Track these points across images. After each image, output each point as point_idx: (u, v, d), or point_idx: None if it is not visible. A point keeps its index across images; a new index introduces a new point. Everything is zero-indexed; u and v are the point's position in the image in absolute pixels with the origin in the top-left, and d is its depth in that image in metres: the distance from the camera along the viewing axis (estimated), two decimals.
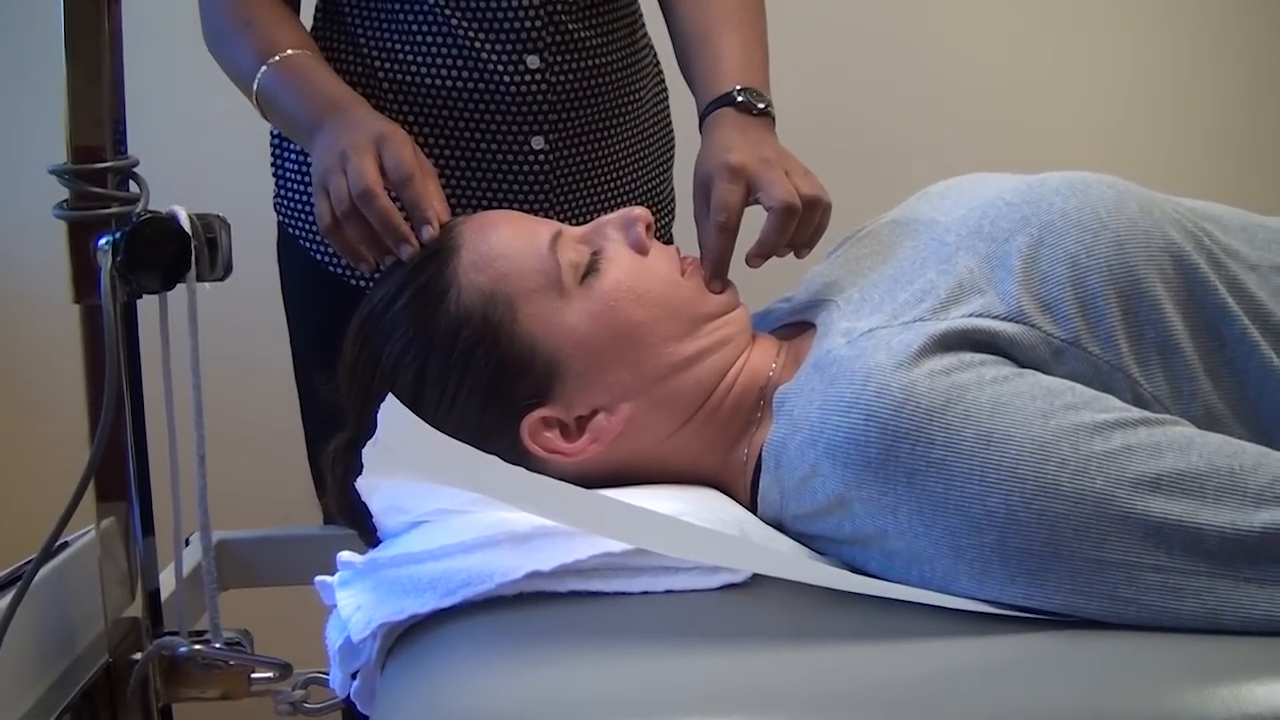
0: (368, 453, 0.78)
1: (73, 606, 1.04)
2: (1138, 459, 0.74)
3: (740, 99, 1.05)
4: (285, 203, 1.30)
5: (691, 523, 0.79)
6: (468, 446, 0.78)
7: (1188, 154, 2.36)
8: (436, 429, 0.80)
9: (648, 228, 0.94)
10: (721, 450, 0.92)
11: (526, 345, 0.88)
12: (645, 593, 0.79)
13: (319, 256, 1.28)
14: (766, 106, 1.05)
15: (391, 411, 0.75)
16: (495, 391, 0.88)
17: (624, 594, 0.79)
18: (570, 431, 0.90)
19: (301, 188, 1.29)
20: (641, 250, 0.93)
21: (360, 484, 0.83)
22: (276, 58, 1.08)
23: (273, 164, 1.32)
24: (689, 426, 0.91)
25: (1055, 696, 0.67)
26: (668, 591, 0.79)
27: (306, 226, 1.28)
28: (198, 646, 1.00)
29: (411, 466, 0.80)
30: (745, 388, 0.92)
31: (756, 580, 0.80)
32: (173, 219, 0.95)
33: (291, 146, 1.29)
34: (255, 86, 1.09)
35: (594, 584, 0.78)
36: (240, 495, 1.55)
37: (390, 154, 0.95)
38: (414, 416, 0.77)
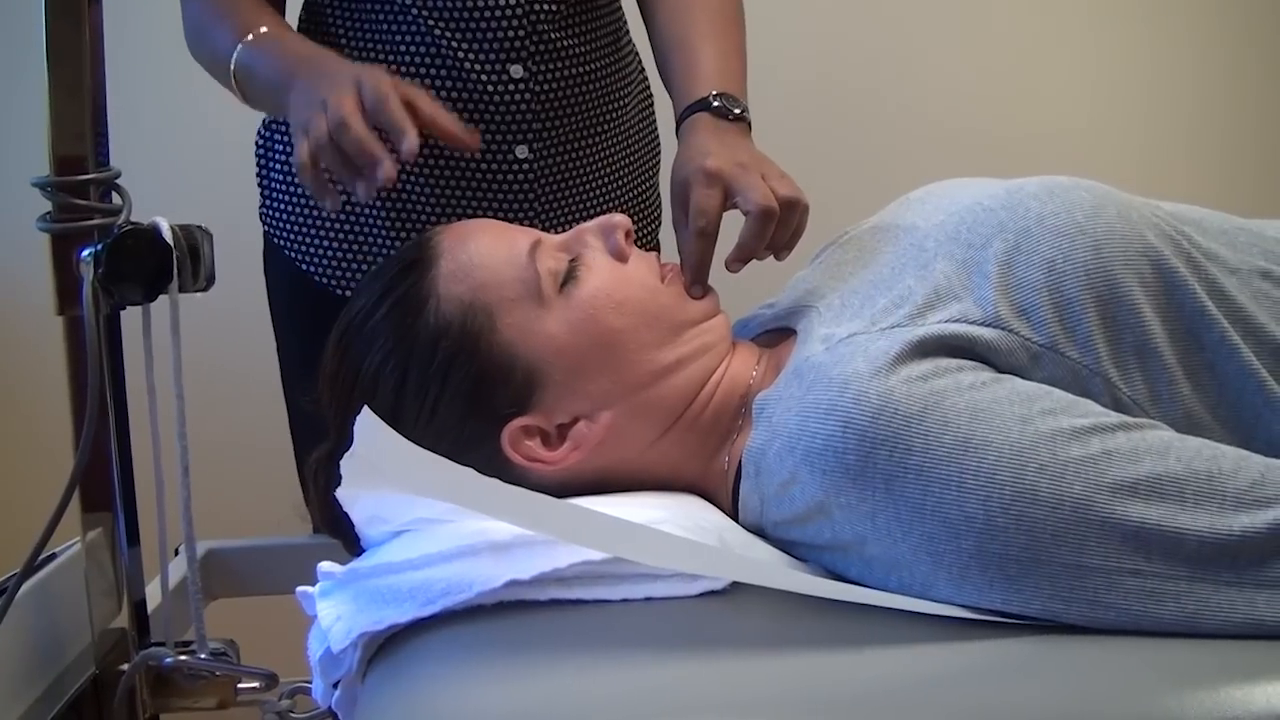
0: (346, 464, 0.78)
1: (59, 618, 1.04)
2: (1116, 464, 0.74)
3: (716, 104, 1.05)
4: (271, 213, 1.30)
5: (669, 532, 0.79)
6: (443, 459, 0.78)
7: (1172, 159, 2.36)
8: (417, 440, 0.80)
9: (627, 234, 0.94)
10: (703, 458, 0.92)
11: (506, 354, 0.88)
12: (625, 600, 0.79)
13: (305, 267, 1.28)
14: (742, 112, 1.06)
15: (367, 425, 0.75)
16: (475, 401, 0.88)
17: (604, 602, 0.79)
18: (551, 440, 0.89)
19: (287, 198, 1.28)
20: (621, 257, 0.93)
21: (341, 494, 0.83)
22: (250, 35, 1.09)
23: (258, 174, 1.32)
24: (670, 434, 0.91)
25: (1033, 701, 0.67)
26: (647, 599, 0.79)
27: (292, 237, 1.28)
28: (183, 657, 1.00)
29: (389, 478, 0.80)
30: (726, 396, 0.92)
31: (736, 587, 0.80)
32: (154, 230, 0.95)
33: (277, 156, 1.29)
34: (232, 66, 1.09)
35: (574, 592, 0.78)
36: (233, 505, 1.55)
37: (369, 86, 0.94)
38: (389, 429, 0.76)
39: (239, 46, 1.09)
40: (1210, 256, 0.87)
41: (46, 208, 0.99)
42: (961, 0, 2.26)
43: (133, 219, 0.98)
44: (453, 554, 0.79)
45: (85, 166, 0.98)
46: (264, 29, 1.10)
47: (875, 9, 2.22)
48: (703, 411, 0.92)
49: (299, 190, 1.27)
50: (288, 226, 1.28)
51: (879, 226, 0.99)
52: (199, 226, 0.99)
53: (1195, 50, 2.34)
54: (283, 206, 1.29)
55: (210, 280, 1.00)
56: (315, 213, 1.27)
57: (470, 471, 0.77)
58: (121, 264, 0.94)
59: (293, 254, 1.28)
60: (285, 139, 1.28)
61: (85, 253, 0.94)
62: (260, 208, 1.32)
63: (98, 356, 0.94)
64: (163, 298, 0.99)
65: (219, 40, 1.12)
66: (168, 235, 0.95)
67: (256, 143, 1.31)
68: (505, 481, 0.81)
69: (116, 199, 1.00)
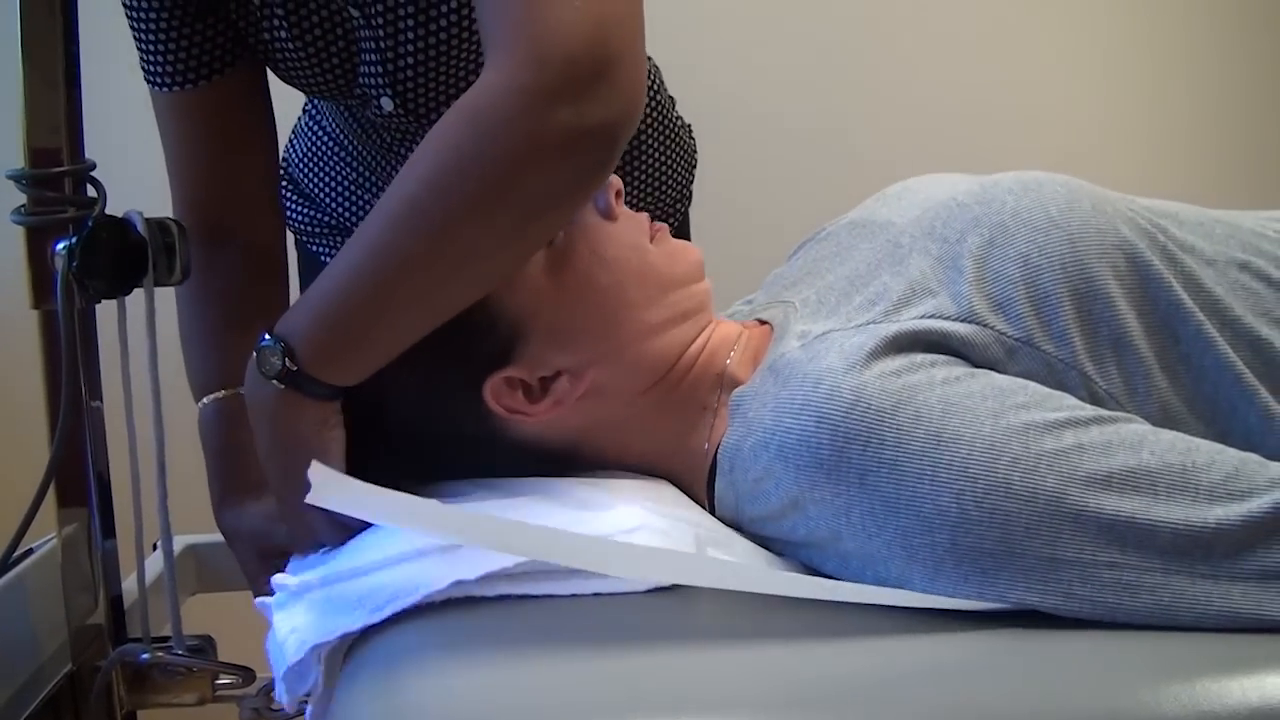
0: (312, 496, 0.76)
1: (35, 615, 1.03)
2: (1089, 457, 0.74)
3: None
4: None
5: (640, 545, 0.78)
6: (402, 494, 0.77)
7: (1160, 155, 2.37)
8: (400, 393, 0.80)
9: (617, 194, 0.93)
10: (679, 432, 0.92)
11: (492, 307, 0.86)
12: (574, 595, 0.78)
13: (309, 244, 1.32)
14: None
15: (320, 476, 0.73)
16: (459, 353, 0.86)
17: (553, 597, 0.78)
18: (534, 393, 0.89)
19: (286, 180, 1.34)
20: (609, 216, 0.92)
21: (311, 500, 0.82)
22: (207, 399, 1.08)
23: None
24: (650, 396, 0.91)
25: (1008, 694, 0.67)
26: (596, 594, 0.78)
27: (289, 219, 1.34)
28: (159, 654, 1.00)
29: (352, 508, 0.78)
30: (705, 368, 0.92)
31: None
32: (128, 223, 0.95)
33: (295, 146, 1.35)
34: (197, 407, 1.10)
35: (524, 587, 0.77)
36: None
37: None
38: (342, 476, 0.76)
39: (200, 403, 1.08)
40: (1186, 249, 0.87)
41: (21, 201, 0.98)
42: None
43: (108, 212, 0.97)
44: (400, 558, 0.78)
45: (60, 159, 0.97)
46: (221, 394, 1.07)
47: (865, 5, 2.23)
48: (683, 378, 0.92)
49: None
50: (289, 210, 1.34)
51: (855, 223, 0.98)
52: (174, 220, 0.99)
53: (1187, 42, 2.35)
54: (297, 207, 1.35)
55: (186, 274, 1.00)
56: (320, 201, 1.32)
57: (433, 502, 0.77)
58: (95, 257, 0.93)
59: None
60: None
61: (59, 246, 0.93)
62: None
63: (73, 350, 0.93)
64: (138, 292, 0.98)
65: (190, 356, 1.11)
66: (141, 228, 0.94)
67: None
68: (486, 436, 0.82)
69: (92, 192, 0.99)
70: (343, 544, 0.85)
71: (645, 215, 0.95)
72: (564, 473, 0.91)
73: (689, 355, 0.92)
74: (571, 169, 0.78)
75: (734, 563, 0.82)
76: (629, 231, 0.92)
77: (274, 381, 0.81)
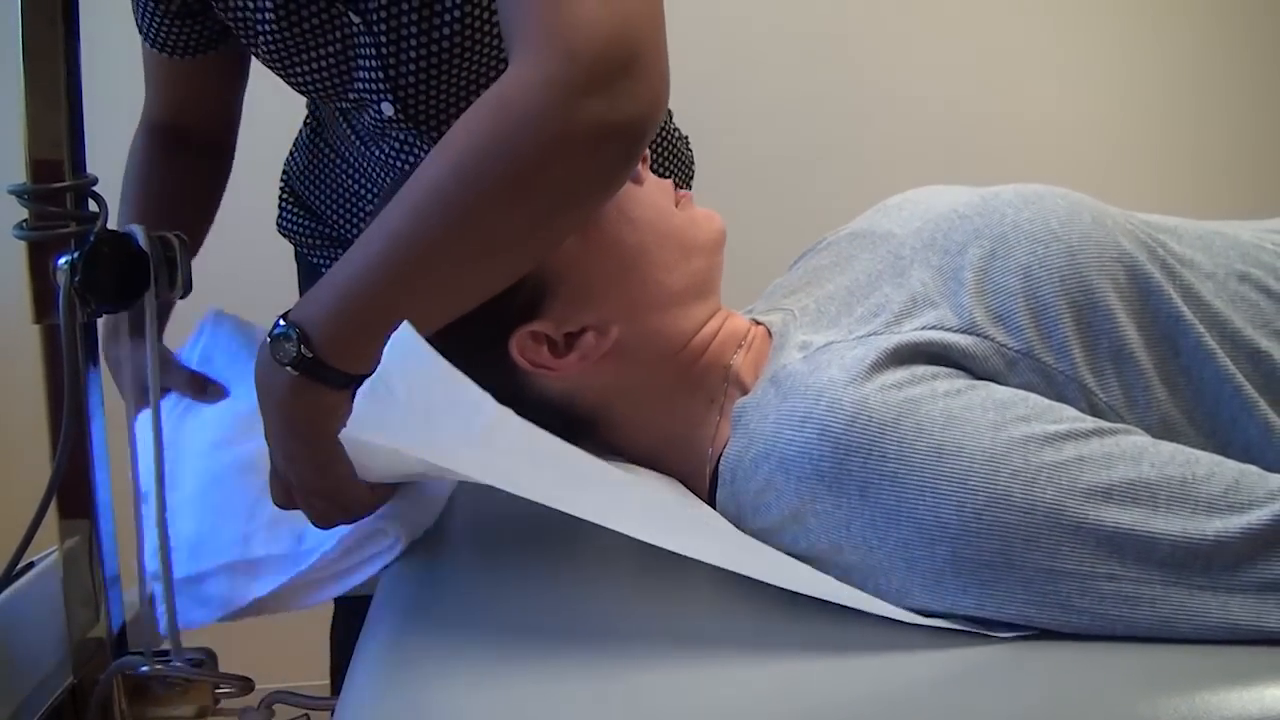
0: (363, 395, 0.75)
1: (37, 628, 1.03)
2: (1089, 469, 0.75)
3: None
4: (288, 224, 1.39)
5: (685, 511, 0.79)
6: (474, 384, 0.71)
7: (1159, 165, 2.37)
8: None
9: (643, 160, 0.94)
10: (687, 422, 0.92)
11: None
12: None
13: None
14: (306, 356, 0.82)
15: (403, 339, 0.71)
16: (485, 307, 0.85)
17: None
18: (559, 348, 0.90)
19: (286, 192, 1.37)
20: (636, 180, 0.93)
21: (344, 436, 0.81)
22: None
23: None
24: (667, 369, 0.92)
25: (1007, 706, 0.67)
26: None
27: (290, 231, 1.37)
28: (157, 665, 1.00)
29: (405, 414, 0.75)
30: (716, 355, 0.93)
31: (701, 592, 0.79)
32: (130, 237, 0.95)
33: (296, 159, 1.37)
34: None
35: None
36: None
37: None
38: (428, 346, 0.71)
39: None
40: (1185, 263, 0.88)
41: (23, 215, 0.98)
42: (943, 5, 2.27)
43: (110, 227, 0.97)
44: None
45: (62, 173, 0.97)
46: None
47: (861, 15, 2.23)
48: (697, 359, 0.93)
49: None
50: (285, 221, 1.35)
51: (856, 233, 0.99)
52: (176, 234, 0.99)
53: (1165, 47, 2.36)
54: (294, 217, 1.37)
55: (188, 287, 1.00)
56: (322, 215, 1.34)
57: (509, 411, 0.71)
58: (97, 272, 0.93)
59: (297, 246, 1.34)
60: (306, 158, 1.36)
61: (61, 260, 0.94)
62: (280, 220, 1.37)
63: (74, 364, 0.93)
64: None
65: (127, 203, 1.18)
66: (143, 242, 0.95)
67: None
68: (509, 392, 0.81)
69: (93, 206, 0.99)
70: (353, 523, 0.86)
71: (670, 181, 0.97)
72: (582, 445, 0.92)
73: (703, 336, 0.93)
74: (598, 162, 0.79)
75: (744, 541, 0.82)
76: (655, 194, 0.94)
77: (288, 368, 0.81)
